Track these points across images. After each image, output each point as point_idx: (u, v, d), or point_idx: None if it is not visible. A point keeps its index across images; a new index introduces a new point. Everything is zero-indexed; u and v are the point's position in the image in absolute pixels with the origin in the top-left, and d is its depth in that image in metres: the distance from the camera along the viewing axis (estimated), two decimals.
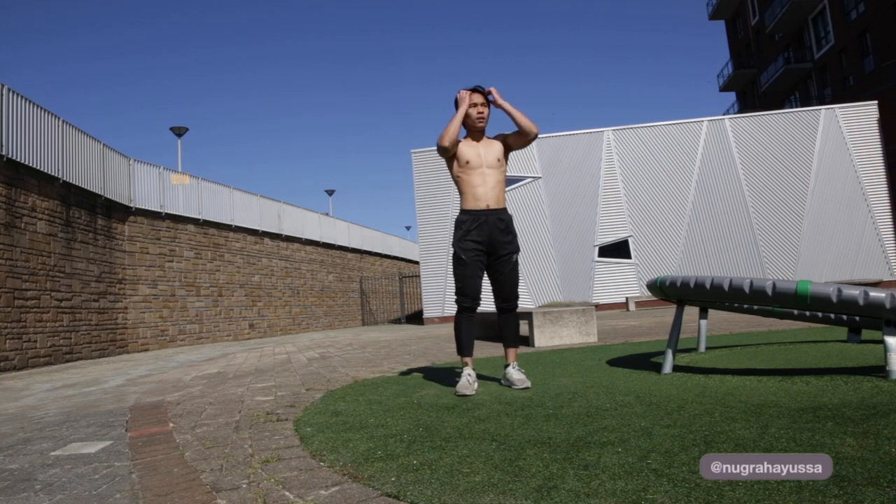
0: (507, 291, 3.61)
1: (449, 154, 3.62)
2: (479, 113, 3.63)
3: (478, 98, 3.64)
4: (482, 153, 3.62)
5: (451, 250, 3.64)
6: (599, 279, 19.06)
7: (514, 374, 3.51)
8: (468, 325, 3.60)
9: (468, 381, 3.38)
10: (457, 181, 3.65)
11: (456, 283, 3.58)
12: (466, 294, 3.53)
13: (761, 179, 18.81)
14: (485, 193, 3.56)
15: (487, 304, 4.40)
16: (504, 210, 3.61)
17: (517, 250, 3.65)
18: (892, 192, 18.57)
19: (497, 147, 3.66)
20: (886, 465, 1.63)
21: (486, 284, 3.62)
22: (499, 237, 3.54)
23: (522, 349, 6.23)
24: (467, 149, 3.63)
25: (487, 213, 3.54)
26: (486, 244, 3.53)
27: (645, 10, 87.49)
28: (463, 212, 3.60)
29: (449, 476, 1.78)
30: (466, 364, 3.53)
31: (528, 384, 3.44)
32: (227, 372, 5.90)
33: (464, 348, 3.59)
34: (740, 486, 1.53)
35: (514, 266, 3.65)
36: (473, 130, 3.67)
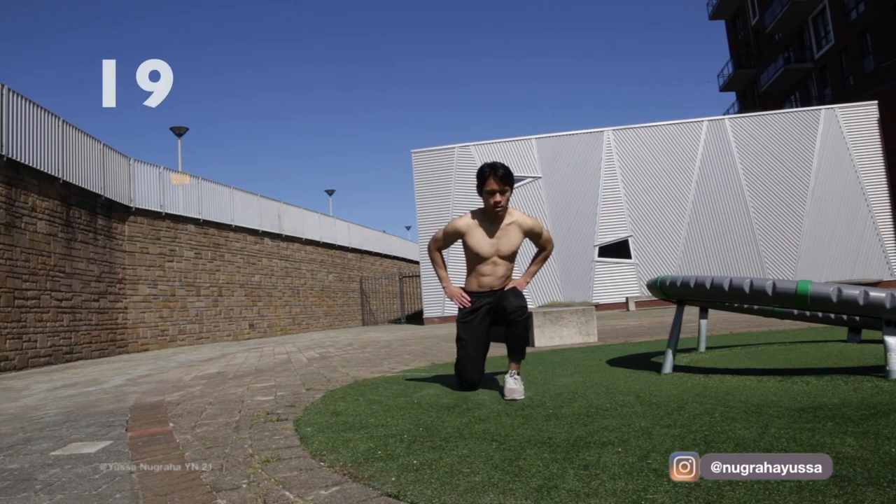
0: (516, 342, 3.28)
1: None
2: (497, 202, 3.26)
3: (494, 184, 3.24)
4: (497, 241, 3.35)
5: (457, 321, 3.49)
6: (599, 279, 19.06)
7: (510, 381, 3.12)
8: (466, 387, 3.47)
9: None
10: (466, 260, 3.45)
11: (457, 352, 3.46)
12: (466, 378, 3.39)
13: (761, 179, 18.81)
14: (491, 282, 3.40)
15: None
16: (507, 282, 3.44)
17: (527, 313, 3.33)
18: (892, 192, 18.56)
19: (516, 238, 3.36)
20: (886, 465, 1.63)
21: None
22: (506, 306, 3.29)
23: None
24: (479, 238, 3.34)
25: (491, 293, 3.40)
26: (493, 308, 3.38)
27: (645, 10, 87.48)
28: (465, 290, 3.45)
29: (449, 476, 1.78)
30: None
31: (521, 395, 3.05)
32: (227, 372, 5.90)
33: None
34: (740, 486, 1.53)
35: (526, 322, 3.33)
36: (491, 214, 3.34)
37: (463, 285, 3.52)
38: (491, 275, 3.39)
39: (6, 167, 9.41)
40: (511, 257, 3.42)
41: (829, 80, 27.10)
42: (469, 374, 3.38)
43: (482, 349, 3.43)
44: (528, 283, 3.57)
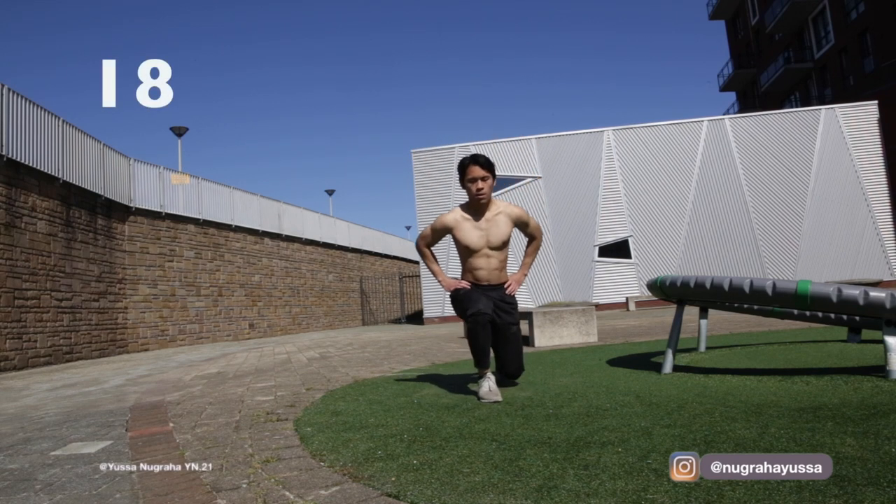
0: (510, 362, 3.40)
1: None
2: (479, 189, 3.28)
3: (477, 171, 3.27)
4: (486, 232, 3.33)
5: (449, 296, 3.45)
6: (599, 279, 19.06)
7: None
8: (485, 333, 3.22)
9: (490, 387, 3.11)
10: (459, 256, 3.43)
11: (463, 304, 3.29)
12: (479, 303, 3.21)
13: (761, 179, 18.82)
14: (487, 276, 3.36)
15: None
16: (505, 283, 3.43)
17: (517, 322, 3.44)
18: (892, 192, 18.57)
19: (504, 227, 3.34)
20: (886, 465, 1.63)
21: None
22: (500, 304, 3.35)
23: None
24: (468, 231, 3.33)
25: (487, 288, 3.37)
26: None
27: (645, 10, 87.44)
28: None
29: (449, 476, 1.78)
30: (484, 375, 3.22)
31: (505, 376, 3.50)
32: (227, 372, 5.90)
33: (482, 360, 3.23)
34: (740, 486, 1.53)
35: (516, 336, 3.42)
36: (476, 204, 3.34)
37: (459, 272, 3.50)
38: (485, 268, 3.36)
39: (6, 167, 9.41)
40: (502, 248, 3.38)
41: (829, 80, 27.10)
42: (477, 306, 3.19)
43: (483, 296, 3.30)
44: (525, 275, 3.55)
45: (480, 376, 3.24)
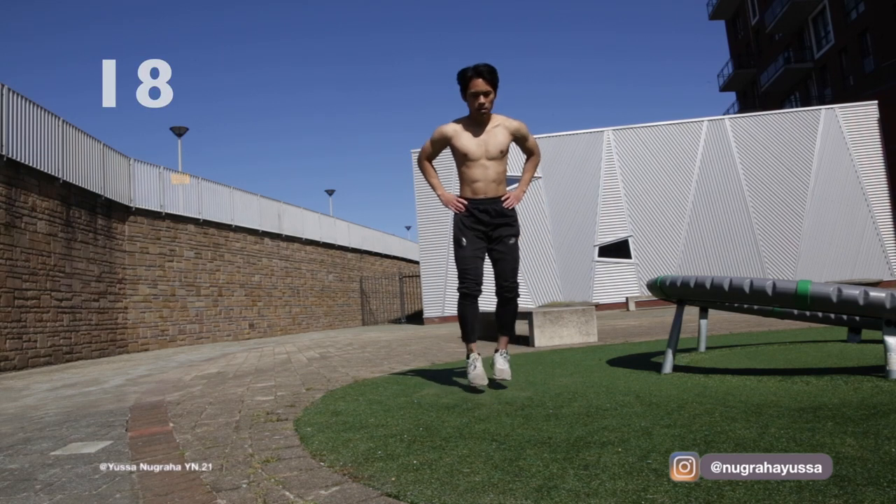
0: (506, 274, 3.42)
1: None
2: (481, 104, 3.27)
3: (480, 85, 3.22)
4: (485, 142, 3.36)
5: (451, 234, 3.49)
6: (599, 279, 19.06)
7: (499, 360, 3.39)
8: (472, 310, 3.39)
9: (477, 366, 3.21)
10: (458, 169, 3.46)
11: (458, 266, 3.41)
12: (468, 276, 3.33)
13: (761, 179, 18.82)
14: (484, 187, 3.39)
15: (488, 304, 4.39)
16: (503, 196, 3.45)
17: (517, 234, 3.47)
18: (892, 192, 18.57)
19: (503, 137, 3.38)
20: (886, 465, 1.63)
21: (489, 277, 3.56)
22: (497, 220, 3.39)
23: (522, 349, 6.22)
24: (467, 140, 3.36)
25: (485, 201, 3.40)
26: (486, 225, 3.39)
27: (645, 10, 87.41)
28: (461, 197, 3.45)
29: (449, 476, 1.78)
30: (472, 350, 3.35)
31: (508, 376, 3.36)
32: (227, 372, 5.90)
33: (470, 334, 3.40)
34: (740, 486, 1.53)
35: (514, 248, 3.46)
36: (477, 118, 3.37)
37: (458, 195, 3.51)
38: (482, 179, 3.37)
39: (6, 167, 9.41)
40: (500, 158, 3.39)
41: (829, 80, 27.11)
42: (471, 272, 3.33)
43: (480, 253, 3.40)
44: (524, 192, 3.58)
45: (468, 353, 3.37)
